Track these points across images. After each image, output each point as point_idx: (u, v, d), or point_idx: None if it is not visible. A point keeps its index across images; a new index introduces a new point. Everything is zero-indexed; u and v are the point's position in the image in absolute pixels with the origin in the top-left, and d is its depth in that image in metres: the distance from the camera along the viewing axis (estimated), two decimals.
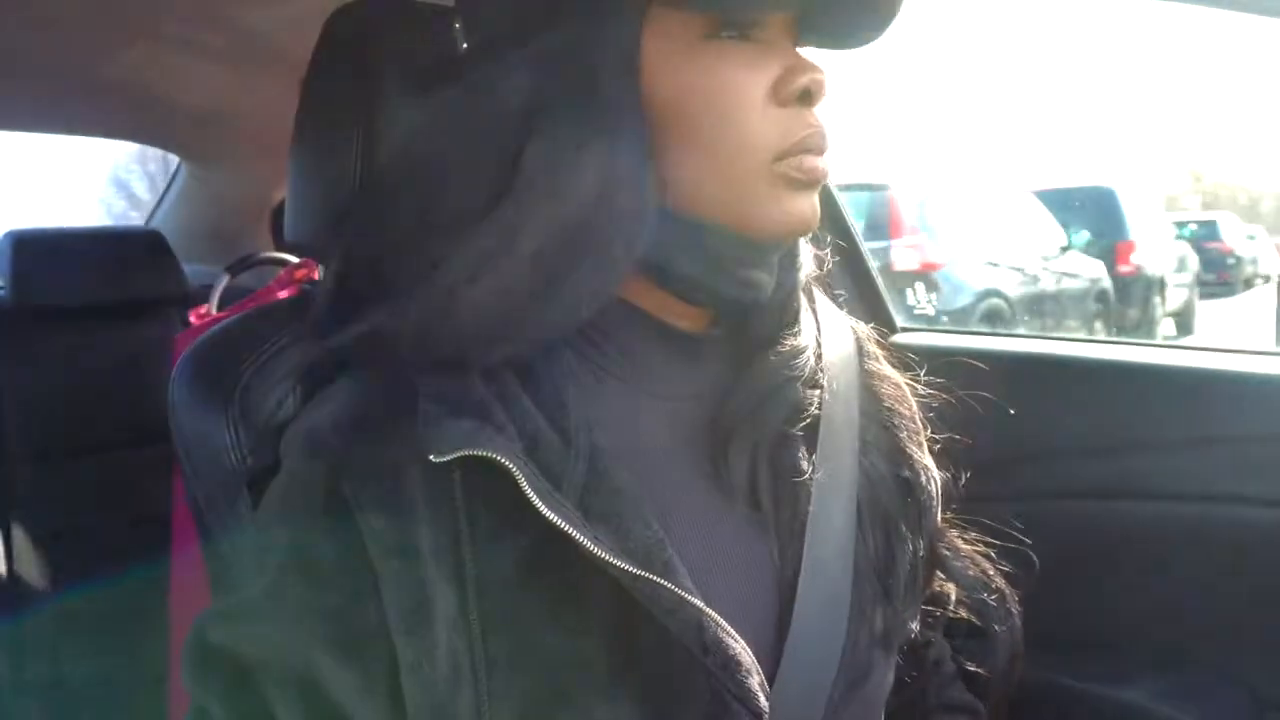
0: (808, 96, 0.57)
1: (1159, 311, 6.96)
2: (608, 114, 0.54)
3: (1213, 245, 10.18)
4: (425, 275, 0.55)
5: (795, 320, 0.65)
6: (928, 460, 0.68)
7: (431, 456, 0.51)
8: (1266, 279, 10.99)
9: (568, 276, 0.54)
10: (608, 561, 0.50)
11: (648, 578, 0.50)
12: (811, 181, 0.58)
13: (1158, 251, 7.03)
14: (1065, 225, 6.22)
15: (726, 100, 0.56)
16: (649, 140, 0.55)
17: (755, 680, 0.53)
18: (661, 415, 0.60)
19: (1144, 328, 6.70)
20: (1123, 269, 6.56)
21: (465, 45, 0.58)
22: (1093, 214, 6.61)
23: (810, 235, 0.68)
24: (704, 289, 0.59)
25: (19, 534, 1.69)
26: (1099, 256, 6.41)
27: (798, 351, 0.63)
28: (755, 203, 0.57)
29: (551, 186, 0.54)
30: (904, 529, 0.64)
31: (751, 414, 0.61)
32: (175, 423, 0.81)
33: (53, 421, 1.75)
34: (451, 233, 0.55)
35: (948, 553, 0.69)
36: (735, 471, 0.60)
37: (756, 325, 0.63)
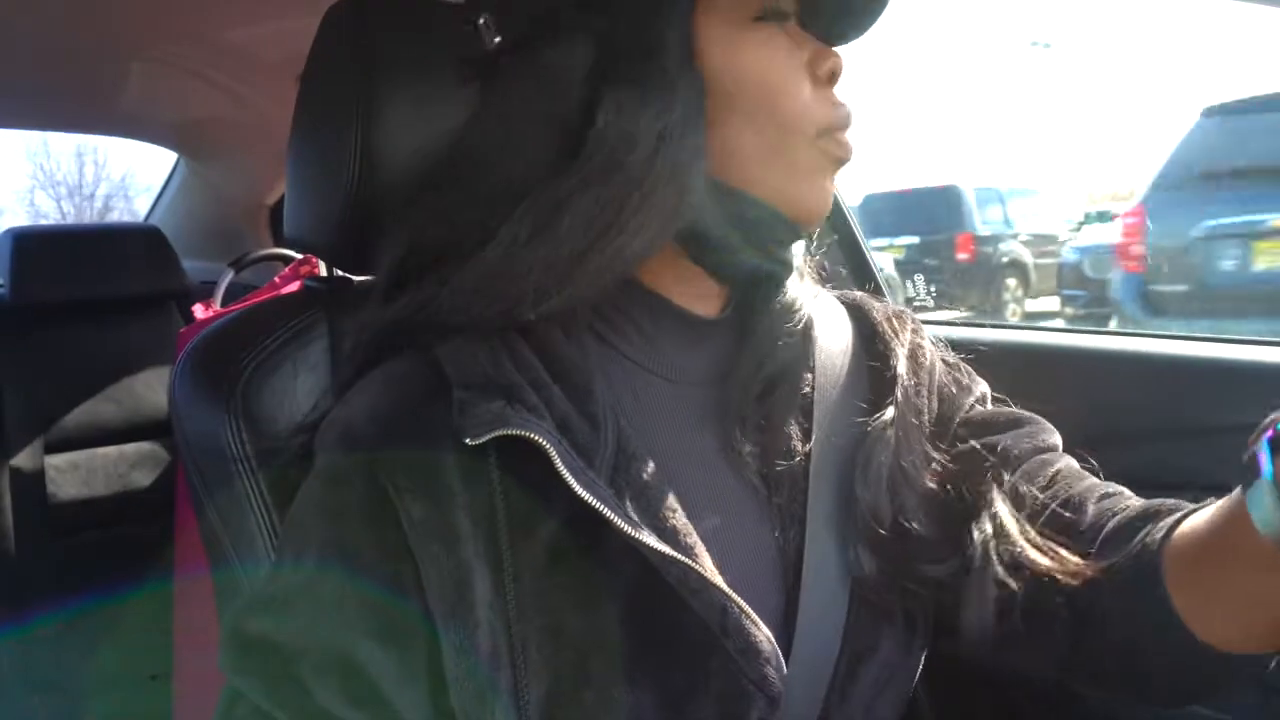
0: (834, 77, 0.62)
1: (1008, 294, 7.94)
2: (668, 84, 0.57)
3: None
4: (485, 241, 0.58)
5: (788, 293, 0.66)
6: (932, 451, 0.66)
7: (467, 440, 0.52)
8: None
9: (617, 237, 0.56)
10: (639, 540, 0.51)
11: (677, 558, 0.52)
12: (846, 159, 0.62)
13: (1021, 240, 8.16)
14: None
15: (776, 78, 0.59)
16: (706, 113, 0.58)
17: (772, 666, 0.54)
18: (676, 400, 0.62)
19: (989, 306, 7.70)
20: (960, 256, 7.78)
21: (499, 38, 0.60)
22: (941, 210, 7.86)
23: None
24: (736, 262, 0.62)
25: (22, 531, 1.70)
26: (939, 247, 7.75)
27: (790, 311, 0.65)
28: (799, 178, 0.61)
29: (617, 152, 0.56)
30: (908, 504, 0.63)
31: (759, 397, 0.62)
32: (176, 418, 0.81)
33: (54, 418, 1.75)
34: (511, 204, 0.58)
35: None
36: (748, 453, 0.61)
37: (760, 301, 0.65)
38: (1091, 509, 0.61)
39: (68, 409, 1.77)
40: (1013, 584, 0.58)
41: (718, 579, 0.53)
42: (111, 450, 1.79)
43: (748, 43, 0.59)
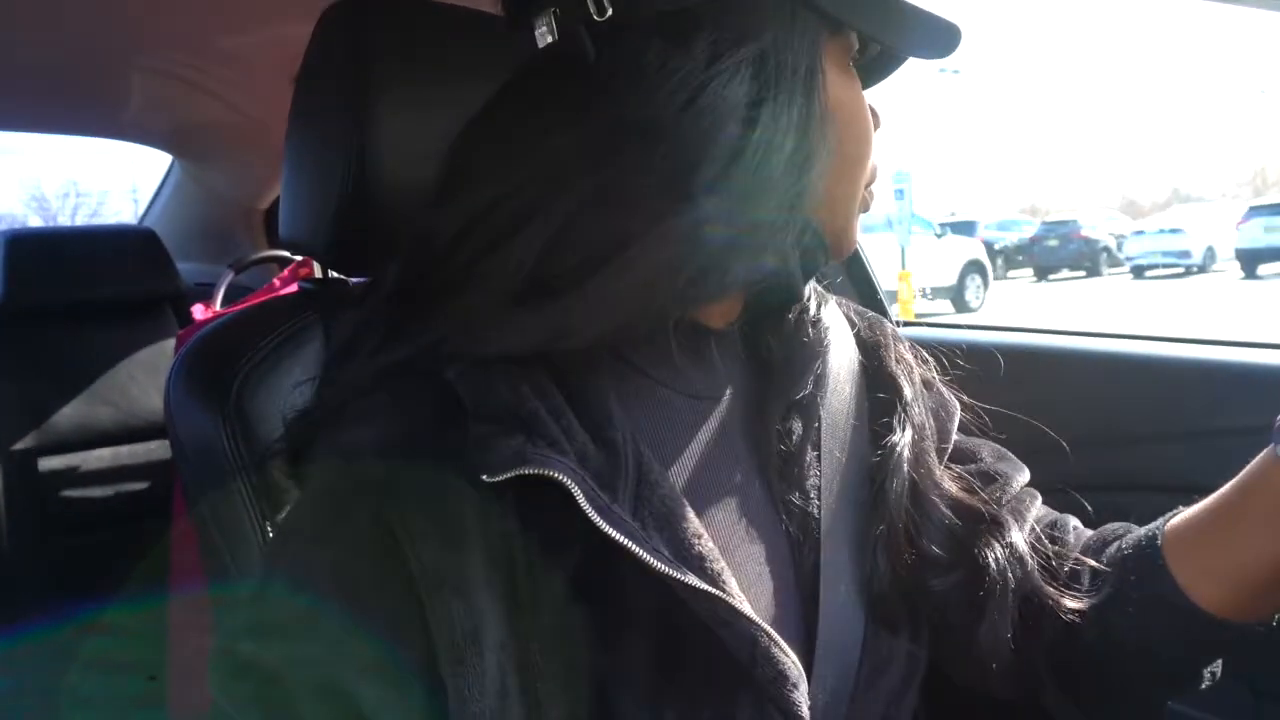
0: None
1: None
2: (809, 112, 0.56)
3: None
4: (600, 267, 0.53)
5: (809, 308, 0.67)
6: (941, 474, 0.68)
7: (484, 477, 0.49)
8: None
9: (732, 264, 0.55)
10: (671, 576, 0.49)
11: (708, 591, 0.50)
12: (868, 209, 0.65)
13: None
14: None
15: (865, 124, 0.62)
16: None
17: (800, 692, 0.53)
18: (693, 415, 0.60)
19: None
20: None
21: (607, 60, 0.55)
22: None
23: None
24: (779, 286, 0.61)
25: (16, 534, 1.69)
26: None
27: (807, 325, 0.66)
28: (852, 218, 0.64)
29: (759, 177, 0.54)
30: (925, 521, 0.65)
31: (784, 418, 0.62)
32: (171, 420, 0.81)
33: (49, 420, 1.75)
34: (646, 219, 0.53)
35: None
36: (775, 479, 0.61)
37: (774, 315, 0.65)
38: (1072, 532, 0.69)
39: (63, 411, 1.76)
40: (1035, 602, 0.64)
41: (747, 609, 0.52)
42: (106, 452, 1.79)
43: (848, 83, 0.60)
